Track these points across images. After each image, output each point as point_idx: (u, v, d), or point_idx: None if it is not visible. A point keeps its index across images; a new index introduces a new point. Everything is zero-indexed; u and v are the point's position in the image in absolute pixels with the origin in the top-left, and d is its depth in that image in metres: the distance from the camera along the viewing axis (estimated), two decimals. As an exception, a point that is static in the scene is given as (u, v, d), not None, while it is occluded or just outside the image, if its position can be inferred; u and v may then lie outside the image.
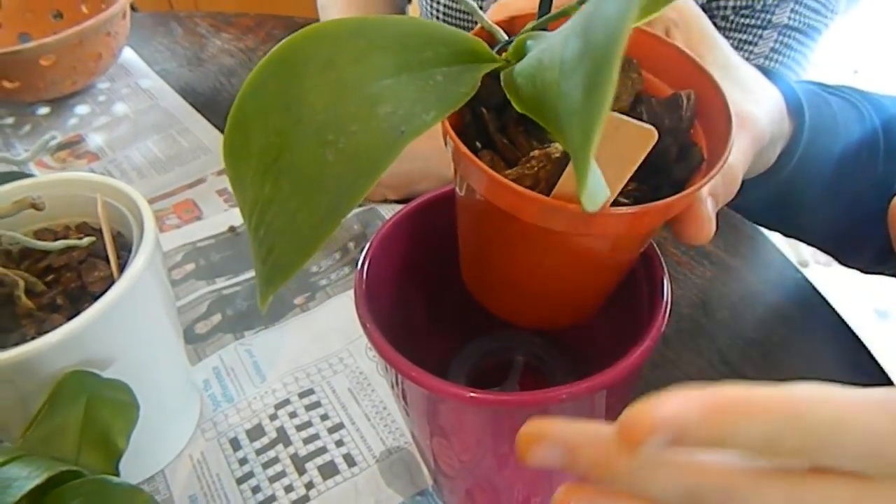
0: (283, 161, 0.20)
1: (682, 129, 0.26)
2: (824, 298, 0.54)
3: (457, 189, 0.28)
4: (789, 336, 0.50)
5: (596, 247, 0.25)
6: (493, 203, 0.24)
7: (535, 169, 0.24)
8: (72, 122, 0.74)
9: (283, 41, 0.21)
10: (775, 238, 0.59)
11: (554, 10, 0.26)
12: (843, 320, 0.52)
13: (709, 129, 0.27)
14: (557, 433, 0.20)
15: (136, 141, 0.71)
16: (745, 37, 0.62)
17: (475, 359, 0.40)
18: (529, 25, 0.25)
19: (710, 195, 0.26)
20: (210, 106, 0.75)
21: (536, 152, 0.24)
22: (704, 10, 0.63)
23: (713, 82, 0.26)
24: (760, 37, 0.61)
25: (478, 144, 0.26)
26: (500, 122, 0.26)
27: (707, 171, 0.25)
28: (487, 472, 0.34)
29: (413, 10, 0.87)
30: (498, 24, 0.28)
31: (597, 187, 0.16)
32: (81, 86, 0.76)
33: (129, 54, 0.84)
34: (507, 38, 0.27)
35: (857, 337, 0.51)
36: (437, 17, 0.74)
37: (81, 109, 0.76)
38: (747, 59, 0.62)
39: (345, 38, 0.22)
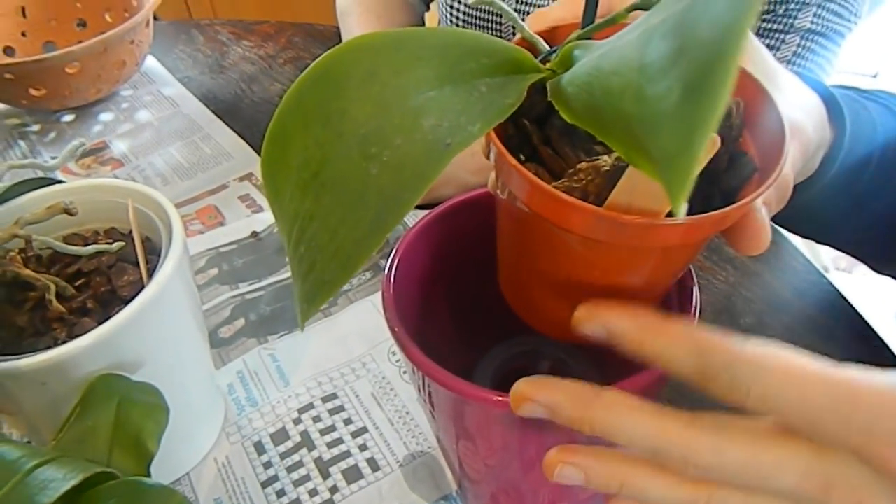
0: (325, 175, 0.20)
1: (731, 138, 0.25)
2: (850, 304, 0.53)
3: (498, 197, 0.28)
4: (815, 342, 0.50)
5: (646, 258, 0.25)
6: (541, 214, 0.23)
7: (584, 182, 0.23)
8: (96, 128, 0.75)
9: (323, 55, 0.21)
10: (797, 241, 0.59)
11: (599, 20, 0.25)
12: (869, 326, 0.51)
13: (758, 138, 0.26)
14: (542, 396, 0.24)
15: (159, 147, 0.72)
16: (767, 41, 0.61)
17: (501, 362, 0.40)
18: (574, 35, 0.25)
19: (764, 204, 0.26)
20: (231, 113, 0.76)
21: (584, 165, 0.24)
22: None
23: (762, 89, 0.26)
24: (783, 41, 0.60)
25: (521, 157, 0.26)
26: (542, 134, 0.26)
27: (760, 180, 0.24)
28: (513, 477, 0.34)
29: (431, 18, 0.88)
30: (538, 34, 0.27)
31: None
32: (105, 93, 0.77)
33: (151, 62, 0.85)
34: (549, 48, 0.26)
35: (884, 343, 0.50)
36: (457, 25, 0.74)
37: (105, 116, 0.77)
38: (770, 63, 0.62)
39: (385, 51, 0.21)
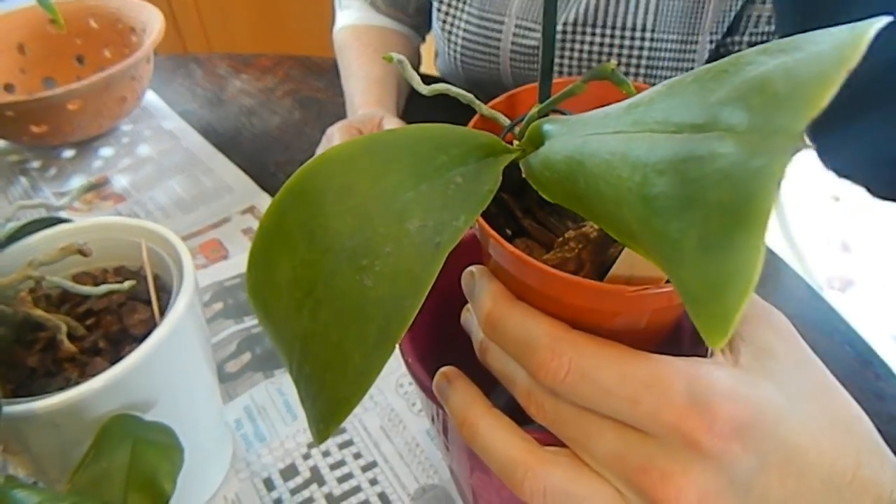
0: (319, 292, 0.20)
1: None
2: (846, 322, 0.54)
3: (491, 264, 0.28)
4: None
5: (648, 312, 0.25)
6: (541, 291, 0.23)
7: (576, 251, 0.23)
8: (97, 164, 0.75)
9: (294, 174, 0.21)
10: (793, 261, 0.59)
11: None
12: (868, 345, 0.52)
13: None
14: None
15: (160, 181, 0.72)
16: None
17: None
18: (535, 109, 0.25)
19: None
20: (232, 145, 0.76)
21: (571, 233, 0.24)
22: (719, 47, 0.64)
23: None
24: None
25: (507, 231, 0.26)
26: (522, 205, 0.26)
27: None
28: (528, 509, 0.34)
29: (427, 50, 0.89)
30: (494, 107, 0.28)
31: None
32: (106, 128, 0.77)
33: (150, 96, 0.86)
34: (509, 121, 0.27)
35: (884, 362, 0.51)
36: (455, 57, 0.75)
37: (106, 151, 0.77)
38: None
39: (357, 160, 0.21)
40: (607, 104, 0.22)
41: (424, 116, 0.50)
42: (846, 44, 0.14)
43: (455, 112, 0.31)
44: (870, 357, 0.51)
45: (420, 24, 0.84)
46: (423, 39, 0.88)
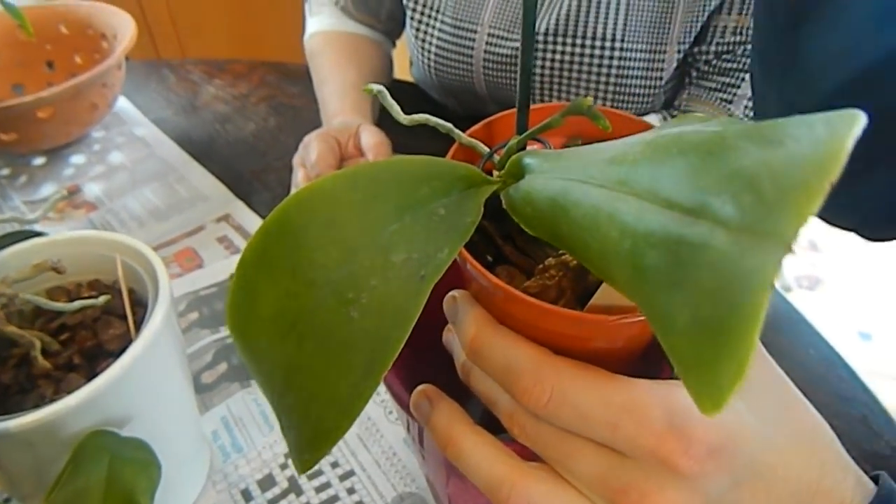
0: (304, 324, 0.20)
1: None
2: (810, 325, 0.55)
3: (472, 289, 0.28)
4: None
5: (624, 337, 0.26)
6: (522, 318, 0.24)
7: (556, 279, 0.24)
8: (67, 172, 0.74)
9: (278, 206, 0.21)
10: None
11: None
12: (832, 348, 0.53)
13: None
14: None
15: (133, 190, 0.71)
16: (727, 80, 0.64)
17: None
18: (514, 141, 0.26)
19: None
20: (206, 153, 0.76)
21: (552, 260, 0.25)
22: (687, 56, 0.66)
23: None
24: (742, 79, 0.63)
25: (488, 257, 0.27)
26: (502, 231, 0.27)
27: None
28: (504, 517, 0.35)
29: (400, 56, 0.89)
30: (473, 134, 0.28)
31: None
32: (77, 136, 0.77)
33: (122, 102, 0.85)
34: (487, 149, 0.28)
35: (847, 365, 0.52)
36: (429, 65, 0.76)
37: (77, 159, 0.76)
38: (730, 100, 0.65)
39: (340, 194, 0.21)
40: (582, 131, 0.22)
41: (406, 137, 0.50)
42: (827, 155, 0.13)
43: (435, 135, 0.31)
44: (834, 359, 0.53)
45: (391, 29, 0.84)
46: (394, 45, 0.88)
